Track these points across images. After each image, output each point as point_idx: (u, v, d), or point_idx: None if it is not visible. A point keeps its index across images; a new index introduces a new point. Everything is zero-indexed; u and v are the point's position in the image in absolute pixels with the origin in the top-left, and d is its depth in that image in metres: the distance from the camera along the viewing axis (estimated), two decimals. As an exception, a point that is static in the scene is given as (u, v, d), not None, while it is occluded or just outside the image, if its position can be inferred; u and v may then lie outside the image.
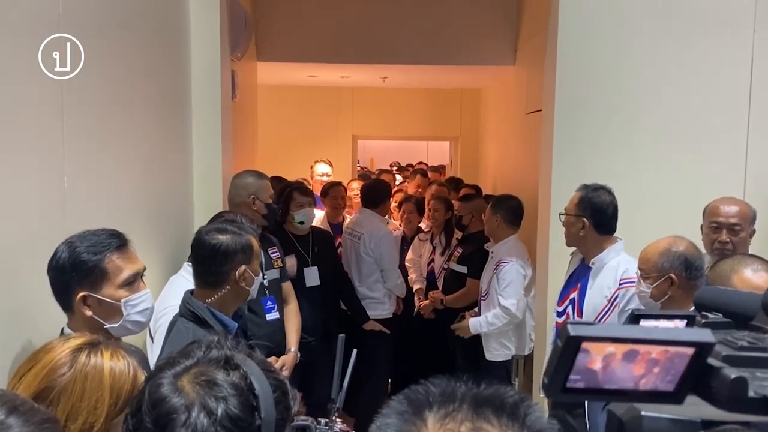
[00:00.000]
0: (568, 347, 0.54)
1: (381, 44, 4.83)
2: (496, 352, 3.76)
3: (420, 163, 9.65)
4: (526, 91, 4.28)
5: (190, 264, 2.40)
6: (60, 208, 1.86)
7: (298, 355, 3.23)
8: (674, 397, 0.56)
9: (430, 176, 7.07)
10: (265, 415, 1.00)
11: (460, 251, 4.44)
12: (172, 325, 1.94)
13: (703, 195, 2.85)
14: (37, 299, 1.66)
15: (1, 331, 1.59)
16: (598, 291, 2.80)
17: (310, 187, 5.41)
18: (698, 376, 0.55)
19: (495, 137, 5.88)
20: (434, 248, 4.80)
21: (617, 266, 2.78)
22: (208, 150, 3.22)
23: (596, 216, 2.77)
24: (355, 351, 1.54)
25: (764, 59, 3.15)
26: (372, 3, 4.75)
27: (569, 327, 0.54)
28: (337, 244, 4.49)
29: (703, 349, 0.54)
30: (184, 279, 2.35)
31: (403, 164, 10.62)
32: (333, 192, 4.77)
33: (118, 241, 1.68)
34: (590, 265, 2.83)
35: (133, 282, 1.70)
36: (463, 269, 4.30)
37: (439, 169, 8.39)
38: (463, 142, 7.52)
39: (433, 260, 4.77)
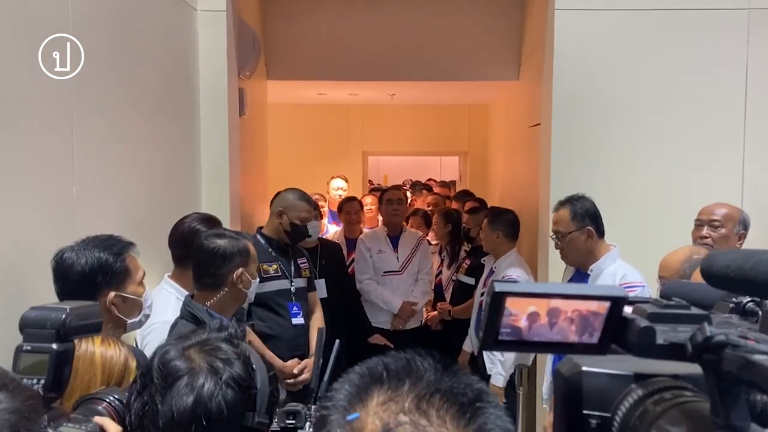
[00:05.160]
0: (494, 302, 0.60)
1: (388, 62, 4.93)
2: (496, 376, 3.77)
3: (429, 179, 9.73)
4: (529, 105, 4.35)
5: (169, 275, 2.51)
6: (68, 216, 1.96)
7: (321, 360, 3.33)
8: (598, 348, 0.62)
9: (439, 191, 7.15)
10: (261, 386, 1.09)
11: (468, 263, 4.50)
12: (174, 326, 2.03)
13: (698, 203, 2.89)
14: (45, 302, 1.75)
15: (11, 331, 1.68)
16: (597, 297, 2.84)
17: (326, 203, 5.54)
18: (617, 328, 0.61)
19: (502, 151, 5.94)
20: (442, 260, 4.86)
21: (615, 272, 2.81)
22: (215, 165, 3.31)
23: (596, 221, 2.83)
24: (337, 342, 1.60)
25: (758, 68, 3.20)
26: (378, 22, 4.87)
27: (495, 284, 0.60)
28: (351, 259, 4.57)
29: (616, 303, 0.61)
30: (166, 292, 2.43)
31: (416, 181, 10.70)
32: (347, 207, 4.85)
33: (128, 244, 1.80)
34: (588, 272, 2.87)
35: (142, 279, 1.83)
36: (471, 280, 4.35)
37: (449, 184, 8.45)
38: (471, 156, 7.59)
39: (440, 272, 4.83)
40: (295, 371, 3.16)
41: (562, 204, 2.85)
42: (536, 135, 3.80)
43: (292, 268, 3.35)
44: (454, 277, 4.65)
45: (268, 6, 4.83)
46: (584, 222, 2.81)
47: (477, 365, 3.90)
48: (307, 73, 5.08)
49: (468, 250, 4.67)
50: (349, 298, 4.22)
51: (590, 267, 2.85)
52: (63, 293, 1.72)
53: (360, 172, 7.69)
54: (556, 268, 3.23)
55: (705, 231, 2.75)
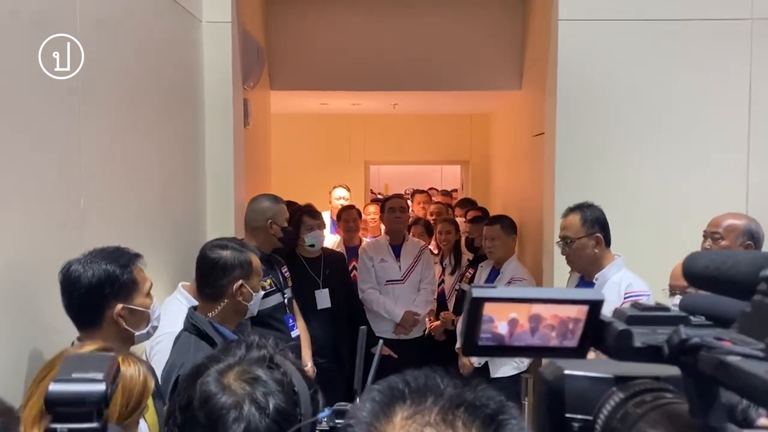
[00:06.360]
0: (473, 308, 0.59)
1: (390, 72, 4.95)
2: (503, 367, 3.79)
3: (431, 188, 9.75)
4: (531, 115, 4.36)
5: (183, 284, 2.51)
6: (77, 227, 1.96)
7: (315, 370, 3.30)
8: (577, 351, 0.62)
9: (440, 200, 7.15)
10: (305, 410, 1.06)
11: (471, 272, 4.49)
12: (177, 338, 2.03)
13: (703, 212, 2.89)
14: (52, 315, 1.75)
15: (18, 343, 1.68)
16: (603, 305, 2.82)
17: (329, 212, 5.53)
18: (595, 332, 0.61)
19: (504, 160, 5.95)
20: (444, 269, 4.86)
21: (620, 281, 2.81)
22: (220, 175, 3.32)
23: (605, 229, 2.82)
24: (381, 341, 1.56)
25: (762, 77, 3.22)
26: (381, 33, 4.88)
27: (472, 290, 0.60)
28: (351, 267, 4.56)
29: (594, 306, 0.60)
30: (179, 302, 2.43)
31: (416, 189, 10.69)
32: (345, 215, 4.86)
33: (135, 255, 1.80)
34: (594, 280, 2.87)
35: (150, 291, 1.82)
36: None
37: (450, 192, 8.46)
38: (473, 166, 7.59)
39: (443, 281, 4.82)
40: None
41: (571, 210, 2.85)
42: (539, 144, 3.81)
43: (281, 279, 3.31)
44: (456, 287, 4.64)
45: (272, 17, 4.85)
46: (594, 229, 2.80)
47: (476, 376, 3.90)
48: (310, 83, 5.09)
49: (471, 259, 4.67)
50: (352, 308, 4.21)
51: (595, 275, 2.85)
52: (70, 306, 1.72)
53: (362, 181, 7.69)
54: (561, 276, 3.23)
55: (707, 243, 2.74)
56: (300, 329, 3.38)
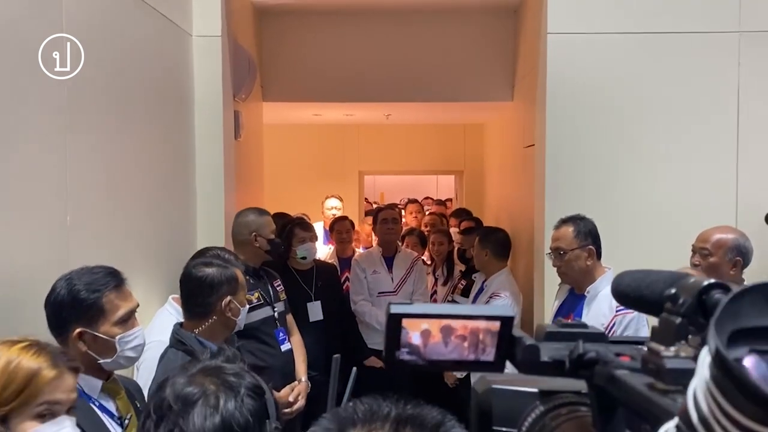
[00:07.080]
0: (391, 324, 0.61)
1: (384, 83, 4.96)
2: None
3: (426, 198, 9.76)
4: (522, 126, 4.37)
5: (173, 297, 2.50)
6: (63, 244, 1.96)
7: (309, 385, 3.29)
8: (494, 366, 0.64)
9: (434, 210, 7.17)
10: (267, 394, 1.13)
11: (464, 283, 4.50)
12: (164, 355, 2.02)
13: (693, 224, 2.89)
14: (38, 331, 1.73)
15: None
16: (594, 319, 2.81)
17: (322, 222, 5.53)
18: (508, 347, 0.63)
19: (497, 171, 5.96)
20: (436, 280, 4.86)
21: (610, 295, 2.80)
22: (210, 188, 3.32)
23: (597, 241, 2.83)
24: (354, 369, 1.58)
25: (749, 89, 3.23)
26: (374, 44, 4.90)
27: (390, 306, 0.62)
28: (344, 278, 4.55)
29: (506, 323, 0.62)
30: (168, 313, 2.44)
31: (411, 198, 10.70)
32: (338, 226, 4.86)
33: (115, 280, 1.75)
34: (585, 293, 2.86)
35: (127, 320, 1.76)
36: (466, 301, 4.34)
37: (444, 202, 8.48)
38: (467, 175, 7.61)
39: (435, 292, 4.82)
40: (290, 399, 3.11)
41: (564, 222, 2.85)
42: (531, 156, 3.82)
43: (271, 292, 3.29)
44: (449, 298, 4.64)
45: (264, 28, 4.87)
46: (586, 241, 2.80)
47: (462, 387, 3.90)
48: (303, 94, 5.10)
49: (463, 270, 4.67)
50: (344, 320, 4.20)
51: (587, 289, 2.84)
52: (47, 320, 1.72)
53: (356, 191, 7.70)
54: (551, 288, 3.23)
55: (696, 258, 2.74)
56: (295, 343, 3.36)
